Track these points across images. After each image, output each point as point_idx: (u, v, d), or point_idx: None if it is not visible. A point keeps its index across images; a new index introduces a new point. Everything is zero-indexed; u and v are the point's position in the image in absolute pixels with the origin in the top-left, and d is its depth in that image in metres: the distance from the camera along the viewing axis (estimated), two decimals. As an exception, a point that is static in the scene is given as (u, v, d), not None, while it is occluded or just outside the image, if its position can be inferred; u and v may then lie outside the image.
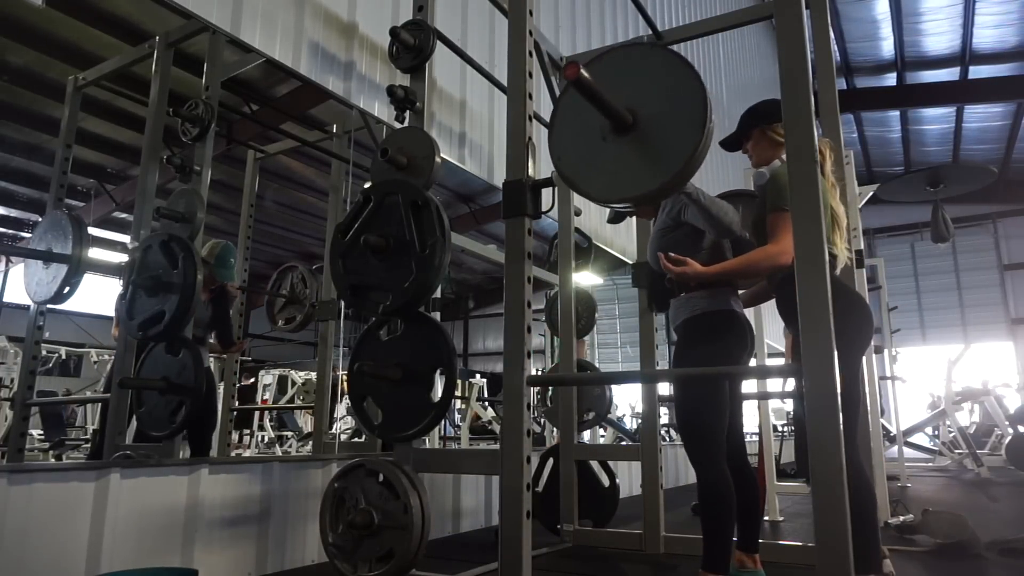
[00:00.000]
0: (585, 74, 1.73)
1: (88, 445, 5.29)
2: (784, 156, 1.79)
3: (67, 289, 3.03)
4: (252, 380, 9.17)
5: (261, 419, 8.49)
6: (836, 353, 1.60)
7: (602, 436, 6.59)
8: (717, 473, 2.12)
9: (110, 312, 3.52)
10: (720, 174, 9.09)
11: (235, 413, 5.25)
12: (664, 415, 9.30)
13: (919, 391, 10.88)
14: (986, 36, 12.03)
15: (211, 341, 3.81)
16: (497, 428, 8.84)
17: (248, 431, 8.25)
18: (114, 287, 3.74)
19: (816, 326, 1.61)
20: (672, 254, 2.16)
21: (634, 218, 3.36)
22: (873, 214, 15.05)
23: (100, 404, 4.10)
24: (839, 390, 1.58)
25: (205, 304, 3.57)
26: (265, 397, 9.16)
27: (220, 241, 3.74)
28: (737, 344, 2.28)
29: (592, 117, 1.88)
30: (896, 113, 14.50)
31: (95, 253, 3.04)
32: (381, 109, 3.38)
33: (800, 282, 1.64)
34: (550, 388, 4.47)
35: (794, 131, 1.70)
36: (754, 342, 2.42)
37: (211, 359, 4.33)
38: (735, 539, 2.31)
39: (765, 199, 2.12)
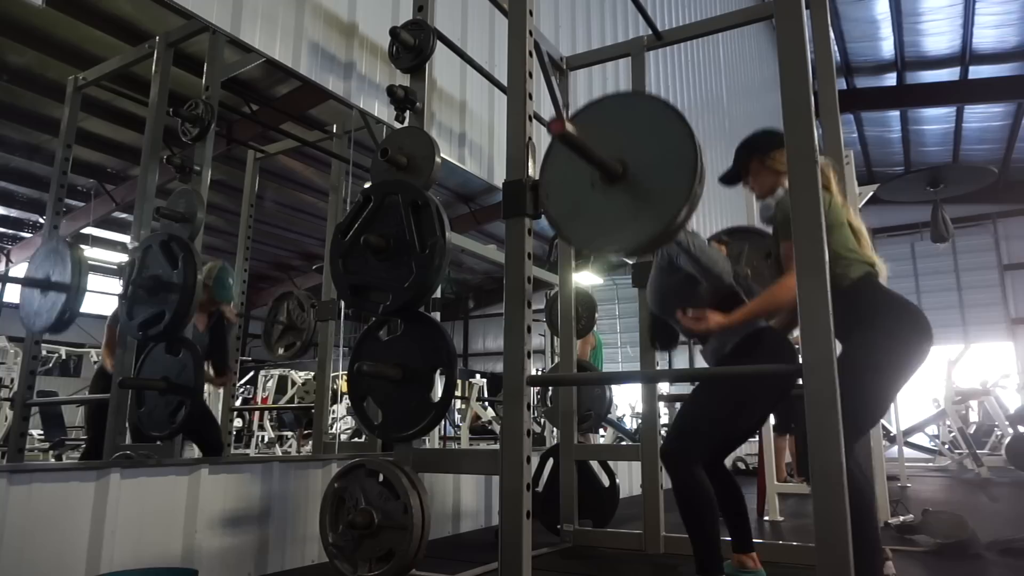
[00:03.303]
0: (571, 129, 1.70)
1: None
2: (787, 184, 1.71)
3: (67, 316, 2.94)
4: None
5: (261, 419, 8.49)
6: (889, 368, 1.62)
7: (602, 436, 6.59)
8: (690, 474, 2.07)
9: (107, 313, 3.47)
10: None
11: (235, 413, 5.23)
12: (664, 415, 9.29)
13: (921, 391, 10.86)
14: (986, 36, 12.02)
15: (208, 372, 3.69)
16: (497, 428, 8.84)
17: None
18: (114, 287, 3.71)
19: (816, 326, 1.61)
20: (691, 311, 2.11)
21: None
22: (873, 214, 14.98)
23: (89, 405, 4.03)
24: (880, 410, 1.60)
25: (203, 333, 3.44)
26: (265, 397, 9.16)
27: (217, 262, 3.66)
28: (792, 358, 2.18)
29: (583, 164, 1.84)
30: (896, 113, 14.49)
31: (96, 253, 3.01)
32: (381, 109, 3.38)
33: (800, 282, 1.64)
34: (550, 388, 4.46)
35: (794, 131, 1.70)
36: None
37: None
38: (730, 541, 2.30)
39: (776, 231, 2.06)
